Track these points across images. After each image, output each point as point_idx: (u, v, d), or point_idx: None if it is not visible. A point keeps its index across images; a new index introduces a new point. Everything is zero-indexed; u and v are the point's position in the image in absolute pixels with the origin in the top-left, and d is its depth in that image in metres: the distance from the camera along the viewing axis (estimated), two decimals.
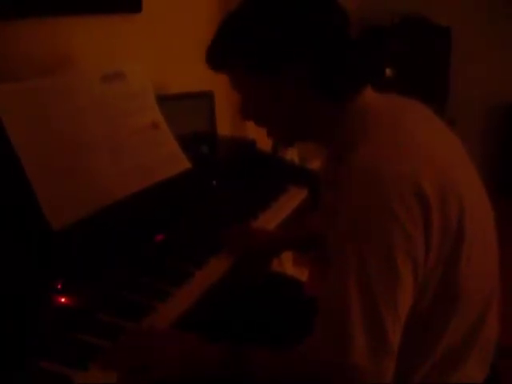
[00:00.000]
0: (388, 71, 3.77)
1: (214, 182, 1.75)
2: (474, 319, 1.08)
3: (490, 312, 1.13)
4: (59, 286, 1.16)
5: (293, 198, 1.88)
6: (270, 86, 1.10)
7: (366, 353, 0.92)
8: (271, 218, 1.73)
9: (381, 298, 0.93)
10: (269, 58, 1.08)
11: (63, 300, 1.16)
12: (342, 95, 1.10)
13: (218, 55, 1.15)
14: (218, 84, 2.28)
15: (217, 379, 1.06)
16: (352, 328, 0.93)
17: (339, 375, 0.95)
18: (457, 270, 1.02)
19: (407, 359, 1.02)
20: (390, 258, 0.93)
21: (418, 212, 0.94)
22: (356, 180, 0.98)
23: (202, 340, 1.11)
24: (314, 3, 1.08)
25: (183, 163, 1.63)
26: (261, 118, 1.18)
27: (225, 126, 2.40)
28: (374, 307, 0.93)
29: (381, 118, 1.08)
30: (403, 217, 0.93)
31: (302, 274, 2.91)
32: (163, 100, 1.73)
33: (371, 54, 1.16)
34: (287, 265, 2.87)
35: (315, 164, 3.36)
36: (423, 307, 1.02)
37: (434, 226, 0.96)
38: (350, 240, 0.96)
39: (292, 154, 2.96)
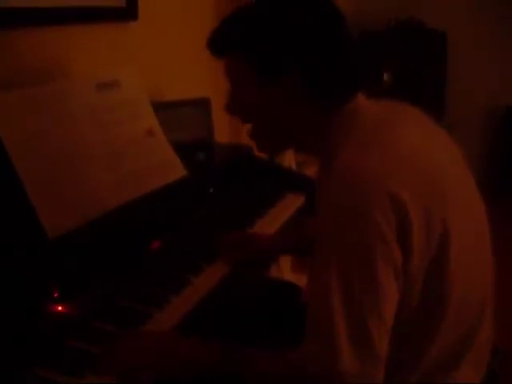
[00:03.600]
0: (385, 76, 3.78)
1: (211, 189, 1.75)
2: (468, 325, 1.08)
3: (484, 318, 1.12)
4: (56, 294, 1.16)
5: (290, 205, 1.88)
6: (262, 87, 1.10)
7: (354, 362, 0.92)
8: (268, 225, 1.73)
9: (364, 305, 0.93)
10: (267, 60, 1.08)
11: (60, 308, 1.16)
12: (336, 101, 1.11)
13: (219, 44, 1.14)
14: (215, 91, 2.29)
15: (212, 380, 1.07)
16: (338, 337, 0.93)
17: (330, 380, 0.94)
18: (443, 275, 1.01)
19: (397, 365, 1.02)
20: (370, 263, 0.93)
21: (392, 216, 0.94)
22: (336, 193, 0.98)
23: (194, 341, 1.11)
24: (315, 9, 1.09)
25: (179, 170, 1.63)
26: (248, 114, 1.18)
27: (222, 133, 2.40)
28: (358, 315, 0.93)
29: (366, 123, 1.08)
30: (380, 221, 0.93)
31: (300, 280, 2.90)
32: (160, 107, 1.74)
33: (367, 61, 1.16)
34: (285, 271, 2.86)
35: (313, 170, 3.36)
36: (409, 312, 1.01)
37: (413, 231, 0.95)
38: (331, 247, 0.97)
39: (289, 161, 2.96)
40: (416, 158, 1.02)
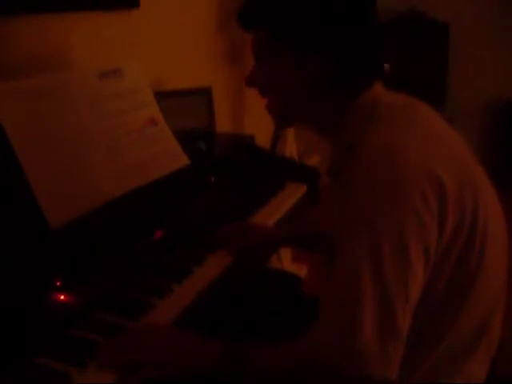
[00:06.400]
0: (386, 67, 3.77)
1: (213, 179, 1.75)
2: (483, 316, 1.08)
3: (498, 309, 1.13)
4: (58, 284, 1.16)
5: (291, 195, 1.87)
6: (292, 60, 1.09)
7: (375, 338, 0.91)
8: (270, 215, 1.72)
9: (392, 285, 0.92)
10: (301, 33, 1.07)
11: (62, 297, 1.15)
12: (358, 88, 1.11)
13: (253, 14, 1.13)
14: (217, 80, 2.29)
15: (215, 377, 1.06)
16: (362, 311, 0.92)
17: (346, 363, 0.93)
18: (470, 262, 1.01)
19: (412, 351, 1.01)
20: (403, 243, 0.93)
21: (434, 201, 0.94)
22: (371, 168, 0.97)
23: (199, 338, 1.10)
24: None
25: (182, 160, 1.62)
26: (269, 87, 1.17)
27: (223, 123, 2.40)
28: (386, 294, 0.92)
29: (393, 108, 1.08)
30: (419, 204, 0.93)
31: (300, 271, 2.91)
32: (161, 96, 1.73)
33: (384, 48, 1.16)
34: (286, 261, 2.87)
35: (314, 160, 3.37)
36: (433, 298, 1.01)
37: (449, 216, 0.96)
38: (364, 225, 0.96)
39: (291, 151, 2.96)
40: (448, 144, 1.03)
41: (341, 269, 0.98)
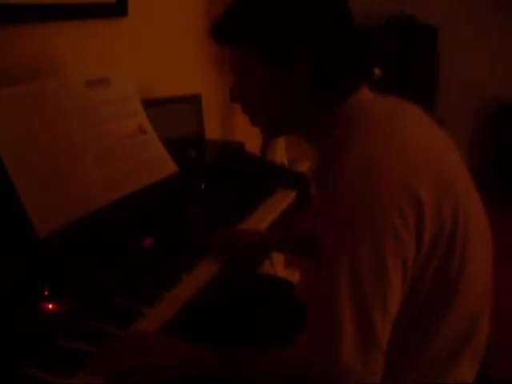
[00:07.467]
0: (376, 71, 3.78)
1: (202, 186, 1.75)
2: (469, 320, 1.09)
3: (484, 313, 1.13)
4: (46, 293, 1.15)
5: (281, 201, 1.88)
6: (272, 74, 1.09)
7: (355, 350, 0.92)
8: (260, 221, 1.72)
9: (371, 297, 0.93)
10: (281, 45, 1.06)
11: (50, 306, 1.15)
12: (343, 94, 1.10)
13: (228, 30, 1.12)
14: (206, 88, 2.29)
15: (211, 381, 1.06)
16: (342, 326, 0.92)
17: (328, 375, 0.94)
18: (450, 270, 1.02)
19: (399, 358, 1.02)
20: (381, 257, 0.93)
21: (412, 217, 0.95)
22: (350, 181, 0.98)
23: (190, 344, 1.10)
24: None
25: (170, 167, 1.62)
26: (252, 102, 1.16)
27: (213, 130, 2.40)
28: (364, 306, 0.93)
29: (377, 118, 1.07)
30: (397, 221, 0.93)
31: (293, 276, 2.91)
32: (151, 104, 1.73)
33: (369, 52, 1.16)
34: (278, 267, 2.87)
35: (304, 166, 3.37)
36: (416, 307, 1.02)
37: (426, 230, 0.97)
38: (342, 241, 0.96)
39: (281, 157, 2.97)
40: (429, 156, 1.03)
41: (322, 280, 0.99)
